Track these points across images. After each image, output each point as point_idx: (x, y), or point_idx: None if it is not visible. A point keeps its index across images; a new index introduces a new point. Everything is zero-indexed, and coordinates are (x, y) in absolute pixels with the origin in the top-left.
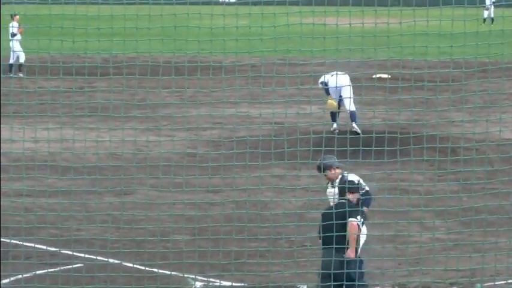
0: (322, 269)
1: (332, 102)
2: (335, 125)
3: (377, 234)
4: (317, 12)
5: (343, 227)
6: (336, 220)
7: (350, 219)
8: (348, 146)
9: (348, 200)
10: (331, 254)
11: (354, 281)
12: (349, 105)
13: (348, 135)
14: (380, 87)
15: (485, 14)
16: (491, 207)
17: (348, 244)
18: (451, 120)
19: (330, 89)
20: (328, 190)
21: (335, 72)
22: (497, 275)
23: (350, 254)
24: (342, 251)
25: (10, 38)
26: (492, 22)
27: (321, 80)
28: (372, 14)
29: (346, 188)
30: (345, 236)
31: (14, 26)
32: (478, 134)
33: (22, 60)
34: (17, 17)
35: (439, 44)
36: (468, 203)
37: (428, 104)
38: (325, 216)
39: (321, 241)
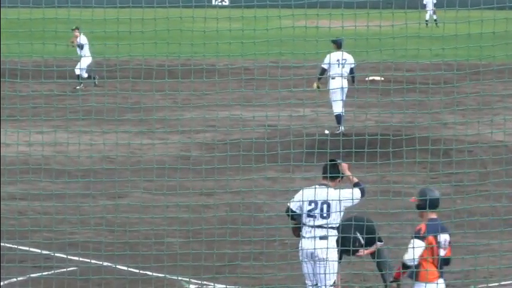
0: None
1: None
2: (342, 128)
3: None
4: (310, 15)
5: None
6: None
7: None
8: (341, 148)
9: None
10: None
11: None
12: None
13: (341, 137)
14: (373, 90)
15: (427, 16)
16: (483, 209)
17: None
18: (444, 122)
19: (332, 91)
20: None
21: (341, 57)
22: (490, 276)
23: None
24: None
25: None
26: (436, 24)
27: (326, 61)
28: (365, 17)
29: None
30: None
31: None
32: (470, 136)
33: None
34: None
35: (431, 46)
36: (461, 204)
37: (420, 106)
38: None
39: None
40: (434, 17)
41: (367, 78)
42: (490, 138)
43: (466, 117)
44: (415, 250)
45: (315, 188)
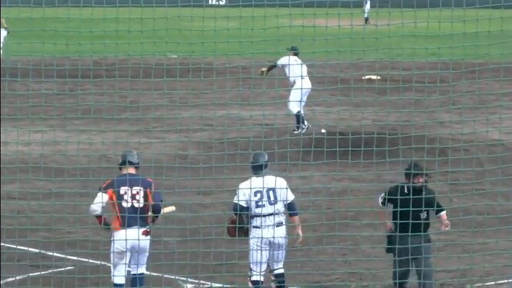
0: None
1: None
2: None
3: (367, 235)
4: (306, 14)
5: None
6: None
7: None
8: (338, 147)
9: None
10: None
11: None
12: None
13: (338, 136)
14: (369, 88)
15: (366, 14)
16: (479, 208)
17: None
18: (440, 120)
19: (295, 91)
20: None
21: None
22: (486, 275)
23: None
24: None
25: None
26: (366, 21)
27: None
28: (361, 16)
29: None
30: None
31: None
32: (466, 135)
33: None
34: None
35: (427, 45)
36: (457, 203)
37: (417, 104)
38: None
39: None
40: (366, 15)
41: (363, 77)
42: (486, 137)
43: (462, 116)
44: (96, 201)
45: (250, 180)
